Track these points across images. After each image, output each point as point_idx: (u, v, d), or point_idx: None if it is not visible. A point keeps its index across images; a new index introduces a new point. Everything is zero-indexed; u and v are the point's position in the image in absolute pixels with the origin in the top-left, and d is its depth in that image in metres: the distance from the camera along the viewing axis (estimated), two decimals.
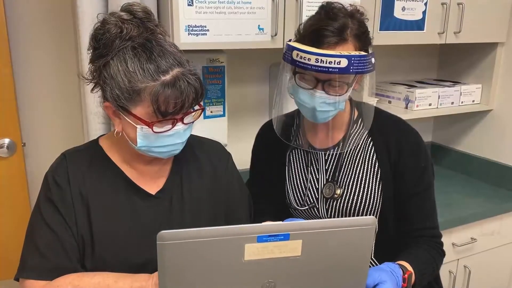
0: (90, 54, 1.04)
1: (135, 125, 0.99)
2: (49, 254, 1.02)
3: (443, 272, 1.70)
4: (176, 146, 1.04)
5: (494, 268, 2.19)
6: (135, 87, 0.96)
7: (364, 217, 1.21)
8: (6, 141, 1.79)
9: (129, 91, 0.96)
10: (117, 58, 0.98)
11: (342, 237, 0.87)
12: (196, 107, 1.04)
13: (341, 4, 1.18)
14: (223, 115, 1.75)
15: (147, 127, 0.98)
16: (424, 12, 1.92)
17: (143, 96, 0.96)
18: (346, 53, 1.09)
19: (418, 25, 1.92)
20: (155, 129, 0.99)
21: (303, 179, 1.33)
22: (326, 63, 1.08)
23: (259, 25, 1.58)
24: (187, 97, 0.97)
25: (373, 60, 1.15)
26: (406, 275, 1.08)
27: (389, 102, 2.26)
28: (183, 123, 1.02)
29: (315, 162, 1.32)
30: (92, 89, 1.08)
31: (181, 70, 0.98)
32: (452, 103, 2.23)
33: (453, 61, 2.44)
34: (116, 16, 0.99)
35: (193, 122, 1.05)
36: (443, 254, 1.26)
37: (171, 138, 1.02)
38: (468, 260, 2.07)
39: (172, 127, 1.00)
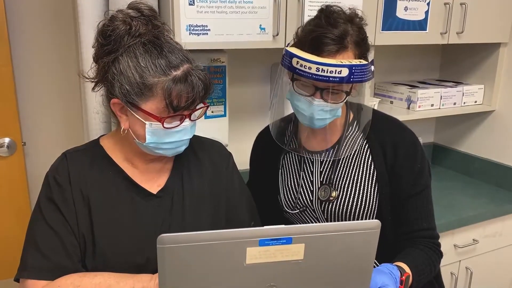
0: (95, 51, 1.04)
1: (144, 121, 1.00)
2: (50, 254, 1.02)
3: (445, 274, 1.69)
4: (183, 142, 1.06)
5: (496, 269, 2.18)
6: (146, 82, 0.97)
7: (368, 220, 1.20)
8: (6, 140, 1.79)
9: (140, 86, 0.97)
10: (127, 54, 0.99)
11: (346, 241, 0.86)
12: (201, 105, 1.05)
13: (340, 7, 1.17)
14: (224, 115, 1.74)
15: (157, 122, 0.99)
16: (426, 12, 1.91)
17: (155, 91, 0.97)
18: (347, 62, 1.08)
19: (420, 25, 1.92)
20: (165, 124, 1.00)
21: (296, 182, 1.33)
22: (327, 72, 1.07)
23: (260, 25, 1.57)
24: (198, 92, 0.99)
25: (372, 68, 1.14)
26: (403, 277, 1.08)
27: (391, 102, 2.25)
28: (190, 119, 1.03)
29: (309, 164, 1.31)
30: (94, 88, 1.08)
31: (190, 66, 1.00)
32: (455, 103, 2.22)
33: (456, 62, 2.43)
34: (124, 13, 1.01)
35: (198, 118, 1.06)
36: (440, 255, 1.26)
37: (179, 134, 1.03)
38: (470, 262, 2.06)
39: (181, 123, 1.02)
